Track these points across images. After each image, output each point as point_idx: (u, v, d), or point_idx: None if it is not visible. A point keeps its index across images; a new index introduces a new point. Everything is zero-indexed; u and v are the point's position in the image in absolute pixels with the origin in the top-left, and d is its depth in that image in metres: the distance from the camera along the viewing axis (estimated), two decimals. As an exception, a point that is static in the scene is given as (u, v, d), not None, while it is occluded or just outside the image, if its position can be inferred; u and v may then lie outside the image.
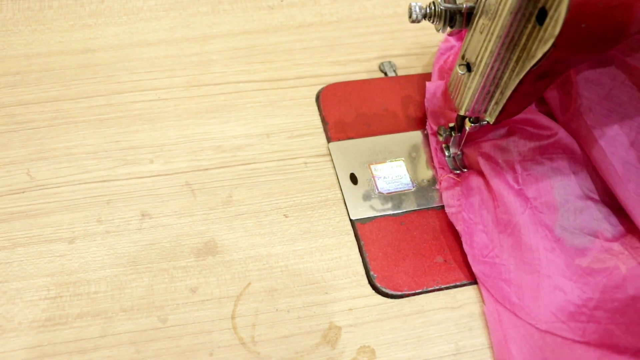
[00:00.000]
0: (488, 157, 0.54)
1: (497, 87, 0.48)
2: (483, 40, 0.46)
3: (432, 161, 0.57)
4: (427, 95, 0.58)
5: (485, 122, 0.52)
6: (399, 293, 0.50)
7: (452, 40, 0.61)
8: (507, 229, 0.51)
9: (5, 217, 0.51)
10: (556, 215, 0.51)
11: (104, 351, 0.45)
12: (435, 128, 0.57)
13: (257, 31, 0.67)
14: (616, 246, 0.50)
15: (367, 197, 0.55)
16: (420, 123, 0.60)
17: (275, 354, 0.46)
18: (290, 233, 0.52)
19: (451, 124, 0.55)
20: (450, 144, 0.56)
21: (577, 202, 0.52)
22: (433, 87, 0.58)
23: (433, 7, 0.47)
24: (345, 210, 0.54)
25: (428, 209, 0.54)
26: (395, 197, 0.55)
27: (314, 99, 0.62)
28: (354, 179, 0.56)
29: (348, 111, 0.60)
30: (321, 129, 0.59)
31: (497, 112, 0.50)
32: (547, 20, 0.41)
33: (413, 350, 0.47)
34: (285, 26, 0.68)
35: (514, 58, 0.46)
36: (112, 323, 0.47)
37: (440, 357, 0.47)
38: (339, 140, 0.58)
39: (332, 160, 0.57)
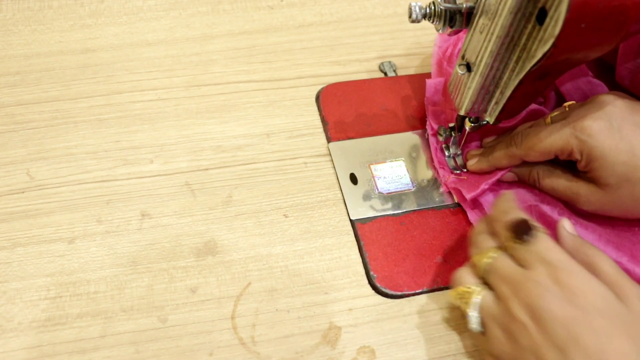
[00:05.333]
0: None
1: (497, 87, 0.48)
2: (483, 40, 0.46)
3: (432, 161, 0.57)
4: (427, 93, 0.58)
5: (485, 122, 0.52)
6: (399, 293, 0.50)
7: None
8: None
9: (5, 217, 0.51)
10: None
11: (103, 351, 0.45)
12: (435, 127, 0.56)
13: (257, 31, 0.67)
14: None
15: (367, 197, 0.55)
16: (420, 123, 0.60)
17: (275, 354, 0.46)
18: (290, 233, 0.52)
19: (451, 124, 0.55)
20: (450, 144, 0.56)
21: None
22: (433, 84, 0.58)
23: (433, 7, 0.47)
24: (345, 210, 0.54)
25: (428, 209, 0.54)
26: (395, 197, 0.55)
27: (314, 99, 0.62)
28: (354, 179, 0.56)
29: (348, 111, 0.60)
30: (321, 129, 0.59)
31: (497, 112, 0.50)
32: (547, 20, 0.41)
33: (413, 351, 0.47)
34: (285, 26, 0.68)
35: (514, 58, 0.46)
36: (112, 323, 0.47)
37: (440, 357, 0.47)
38: (339, 140, 0.58)
39: (332, 160, 0.57)
